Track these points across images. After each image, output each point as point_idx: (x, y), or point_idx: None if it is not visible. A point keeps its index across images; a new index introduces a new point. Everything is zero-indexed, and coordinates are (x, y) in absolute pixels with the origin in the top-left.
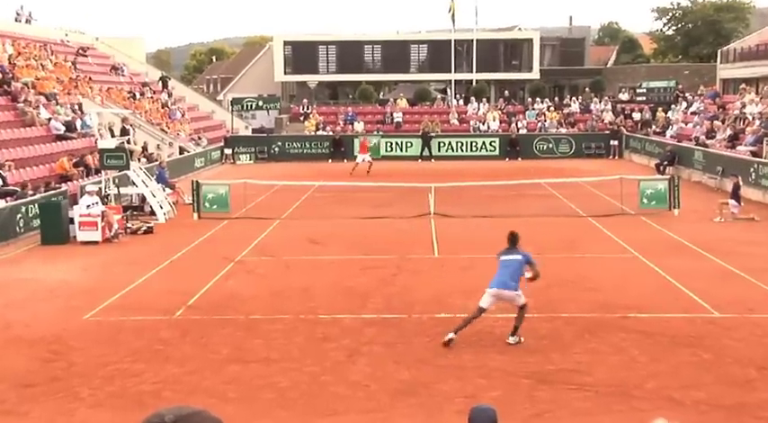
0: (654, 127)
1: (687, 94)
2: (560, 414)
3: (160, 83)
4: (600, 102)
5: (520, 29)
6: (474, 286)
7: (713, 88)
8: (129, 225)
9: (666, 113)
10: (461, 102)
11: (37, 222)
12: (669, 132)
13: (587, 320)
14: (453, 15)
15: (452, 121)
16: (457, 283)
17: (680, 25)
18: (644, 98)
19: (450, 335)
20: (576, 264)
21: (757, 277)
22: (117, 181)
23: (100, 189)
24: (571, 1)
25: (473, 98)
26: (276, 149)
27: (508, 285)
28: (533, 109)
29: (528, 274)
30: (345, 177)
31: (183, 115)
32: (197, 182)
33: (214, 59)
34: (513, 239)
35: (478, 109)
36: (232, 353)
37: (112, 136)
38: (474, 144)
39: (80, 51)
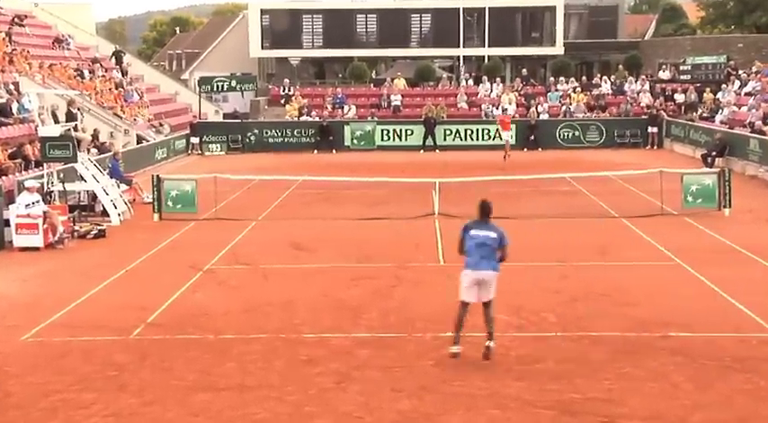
0: (700, 111)
1: (741, 72)
2: None
3: (113, 59)
4: (636, 81)
5: None
6: None
7: None
8: (76, 228)
9: (715, 95)
10: (471, 82)
11: None
12: (719, 117)
13: (620, 340)
14: None
15: (460, 105)
16: None
17: None
18: (689, 77)
19: (454, 349)
20: (607, 273)
21: None
22: (62, 175)
23: (41, 185)
24: None
25: (485, 78)
26: (252, 138)
27: (488, 267)
28: (556, 90)
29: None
30: (333, 171)
31: (140, 97)
32: (158, 176)
33: (177, 31)
34: (485, 210)
35: (491, 90)
36: (200, 379)
37: (56, 122)
38: (486, 132)
39: (15, 20)
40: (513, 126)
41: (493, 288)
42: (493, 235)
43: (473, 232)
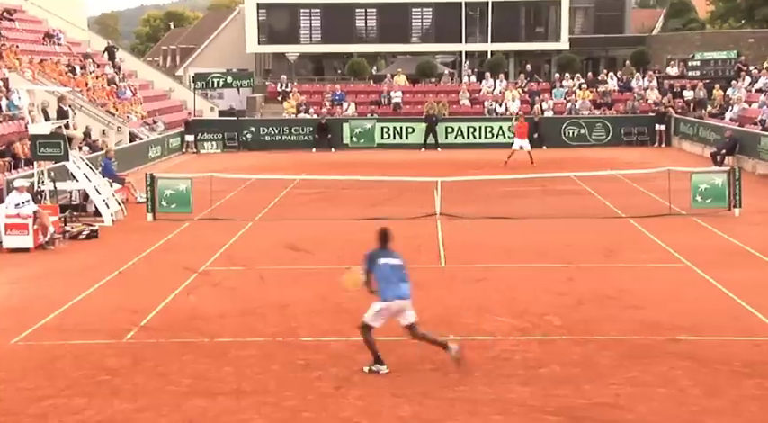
0: (709, 108)
1: (751, 68)
2: None
3: (106, 54)
4: (643, 77)
5: None
6: (489, 302)
7: None
8: (67, 228)
9: (725, 91)
10: (474, 78)
11: None
12: (729, 114)
13: (628, 344)
14: None
15: (463, 102)
16: (469, 299)
17: None
18: (697, 73)
19: (383, 368)
20: (614, 275)
21: None
22: (53, 174)
23: (32, 184)
24: None
25: (488, 74)
26: (248, 136)
27: (407, 294)
28: (561, 87)
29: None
30: (332, 170)
31: (134, 94)
32: (152, 176)
33: (172, 26)
34: (385, 238)
35: (494, 87)
36: (195, 384)
37: (47, 119)
38: (489, 130)
39: (5, 14)
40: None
41: (412, 312)
42: (400, 261)
43: (385, 261)
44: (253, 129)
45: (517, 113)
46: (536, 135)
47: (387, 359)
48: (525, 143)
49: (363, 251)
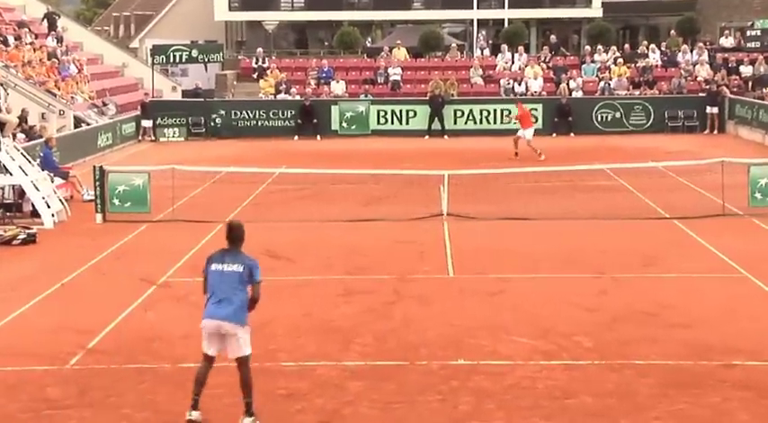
0: None
1: None
2: None
3: (45, 22)
4: (691, 50)
5: None
6: (506, 320)
7: None
8: None
9: None
10: (487, 52)
11: None
12: None
13: (673, 370)
14: None
15: (474, 81)
16: (482, 316)
17: None
18: (758, 44)
19: (193, 414)
20: (655, 287)
21: None
22: None
23: None
24: None
25: (505, 46)
26: (218, 121)
27: (229, 314)
28: (593, 62)
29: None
30: (318, 161)
31: (79, 70)
32: (101, 168)
33: None
34: (234, 235)
35: (512, 62)
36: (153, 418)
37: None
38: (506, 113)
39: None
40: (539, 107)
41: (243, 341)
42: (238, 268)
43: (215, 267)
44: (223, 112)
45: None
46: (569, 118)
47: (383, 387)
48: (529, 132)
49: (355, 258)
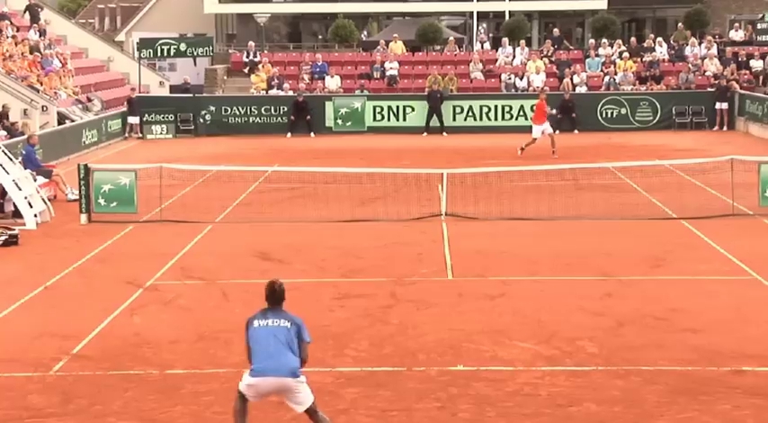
0: None
1: None
2: None
3: (27, 14)
4: (700, 44)
5: None
6: (508, 324)
7: None
8: None
9: None
10: (488, 45)
11: None
12: None
13: (681, 377)
14: None
15: (474, 75)
16: (482, 320)
17: None
18: None
19: None
20: (662, 290)
21: None
22: None
23: None
24: None
25: (505, 40)
26: (208, 118)
27: (291, 369)
28: (597, 56)
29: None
30: (312, 160)
31: (63, 65)
32: (86, 167)
33: None
34: (276, 295)
35: (514, 56)
36: None
37: None
38: (507, 109)
39: None
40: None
41: (303, 395)
42: (288, 325)
43: (262, 323)
44: (213, 108)
45: (542, 88)
46: (573, 115)
47: (379, 394)
48: (547, 126)
49: (350, 260)
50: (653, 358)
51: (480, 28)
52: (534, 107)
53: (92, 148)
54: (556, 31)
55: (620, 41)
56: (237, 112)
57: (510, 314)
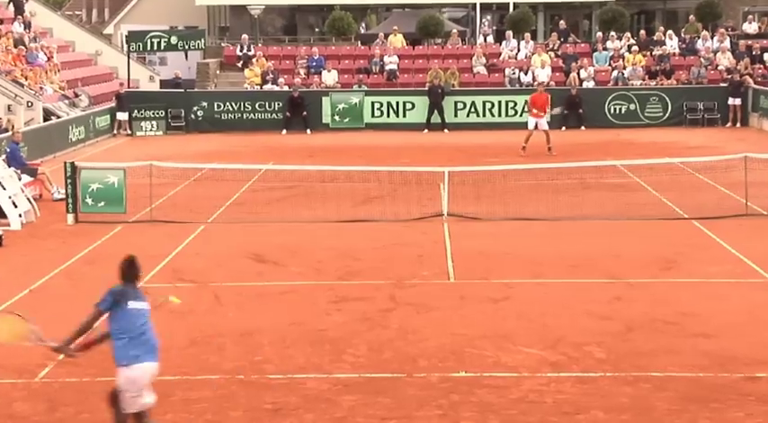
0: None
1: None
2: None
3: (11, 6)
4: (712, 37)
5: None
6: (512, 329)
7: None
8: None
9: None
10: (491, 39)
11: None
12: None
13: (692, 383)
14: None
15: (477, 70)
16: (485, 325)
17: None
18: None
19: None
20: (673, 293)
21: None
22: None
23: None
24: None
25: (510, 33)
26: (200, 114)
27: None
28: (605, 49)
29: None
30: (307, 158)
31: (48, 59)
32: (73, 165)
33: None
34: (133, 271)
35: (518, 50)
36: None
37: None
38: (511, 105)
39: None
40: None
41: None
42: (148, 306)
43: (132, 305)
44: (205, 104)
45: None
46: (580, 111)
47: (378, 402)
48: (542, 121)
49: (348, 262)
50: (663, 364)
51: (483, 20)
52: (528, 100)
53: (79, 145)
54: (562, 23)
55: (628, 34)
56: (231, 108)
57: (514, 318)
